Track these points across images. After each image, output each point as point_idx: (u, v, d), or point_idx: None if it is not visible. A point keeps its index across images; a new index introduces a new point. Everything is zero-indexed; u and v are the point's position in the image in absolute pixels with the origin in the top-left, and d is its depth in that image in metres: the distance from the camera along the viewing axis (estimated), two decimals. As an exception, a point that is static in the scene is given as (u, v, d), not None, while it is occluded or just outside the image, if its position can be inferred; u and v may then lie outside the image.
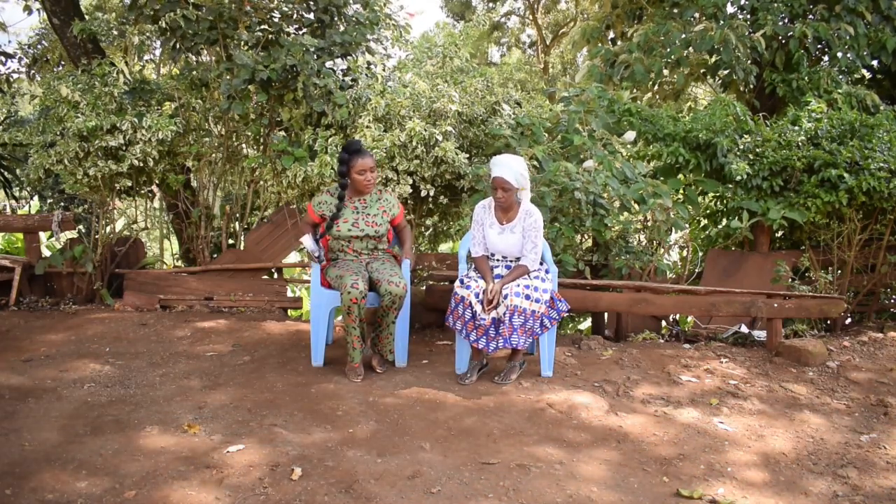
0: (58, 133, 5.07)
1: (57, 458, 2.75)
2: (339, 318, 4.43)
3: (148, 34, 5.98)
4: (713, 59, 6.77)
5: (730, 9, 6.80)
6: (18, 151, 7.50)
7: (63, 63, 7.22)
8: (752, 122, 5.55)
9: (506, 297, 3.60)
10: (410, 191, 4.80)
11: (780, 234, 5.65)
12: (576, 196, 4.34)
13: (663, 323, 5.14)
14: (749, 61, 6.24)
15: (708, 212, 5.90)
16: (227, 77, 5.04)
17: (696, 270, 5.46)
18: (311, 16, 5.38)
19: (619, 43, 7.68)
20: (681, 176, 5.47)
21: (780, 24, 6.46)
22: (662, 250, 5.18)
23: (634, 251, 4.82)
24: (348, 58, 5.29)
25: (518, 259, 3.81)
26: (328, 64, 5.21)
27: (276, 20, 5.26)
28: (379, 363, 3.88)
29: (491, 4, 19.96)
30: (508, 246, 3.80)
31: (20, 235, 6.89)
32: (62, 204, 7.79)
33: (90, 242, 5.48)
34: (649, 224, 4.97)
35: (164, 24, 4.97)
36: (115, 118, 4.96)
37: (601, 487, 2.66)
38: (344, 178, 3.88)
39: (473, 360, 3.84)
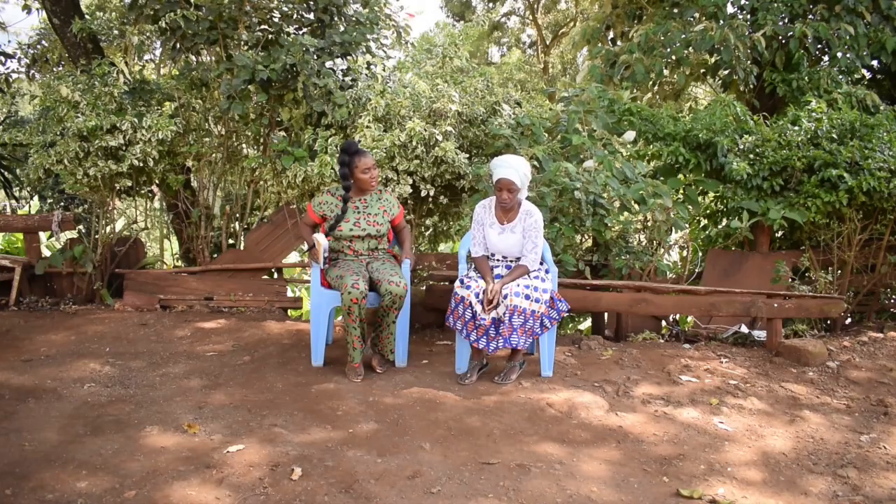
0: (58, 133, 5.07)
1: (57, 458, 2.75)
2: (339, 318, 4.43)
3: (148, 34, 5.97)
4: (713, 59, 6.77)
5: (730, 9, 6.80)
6: (18, 151, 7.49)
7: (63, 63, 7.21)
8: (752, 122, 5.55)
9: (506, 297, 3.60)
10: (410, 191, 4.80)
11: (780, 234, 5.65)
12: (576, 196, 4.34)
13: (663, 323, 5.14)
14: (749, 61, 6.23)
15: (708, 212, 5.90)
16: (227, 77, 5.04)
17: (696, 270, 5.46)
18: (311, 16, 5.38)
19: (619, 43, 7.68)
20: (681, 176, 5.47)
21: (780, 24, 6.46)
22: (662, 250, 5.18)
23: (634, 251, 4.82)
24: (348, 58, 5.29)
25: (518, 259, 3.81)
26: (328, 64, 5.22)
27: (276, 20, 5.26)
28: (379, 363, 3.88)
29: (491, 4, 19.95)
30: (509, 246, 3.80)
31: (20, 235, 6.89)
32: (62, 204, 7.79)
33: (90, 242, 5.48)
34: (649, 224, 4.97)
35: (164, 24, 4.97)
36: (115, 118, 4.96)
37: (601, 487, 2.66)
38: (347, 179, 3.89)
39: (473, 360, 3.84)
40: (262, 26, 5.19)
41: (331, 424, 3.14)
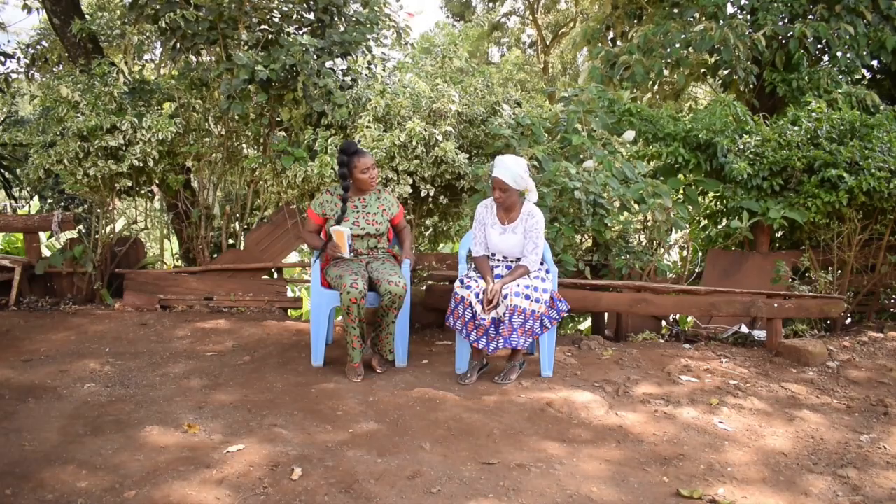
0: (58, 133, 5.08)
1: (57, 457, 2.75)
2: (339, 318, 4.43)
3: (148, 34, 5.98)
4: (713, 59, 6.77)
5: (730, 9, 6.80)
6: (18, 151, 7.49)
7: (63, 63, 7.21)
8: (752, 122, 5.55)
9: (506, 297, 3.60)
10: (410, 191, 4.80)
11: (780, 234, 5.65)
12: (576, 196, 4.34)
13: (663, 323, 5.14)
14: (749, 61, 6.24)
15: (708, 212, 5.90)
16: (227, 77, 5.04)
17: (696, 270, 5.46)
18: (311, 16, 5.38)
19: (619, 43, 7.68)
20: (681, 176, 5.47)
21: (780, 24, 6.46)
22: (662, 250, 5.18)
23: (634, 251, 4.82)
24: (348, 58, 5.29)
25: (518, 259, 3.81)
26: (328, 64, 5.22)
27: (276, 20, 5.26)
28: (379, 363, 3.88)
29: (491, 4, 19.95)
30: (509, 246, 3.80)
31: (20, 235, 6.89)
32: (62, 204, 7.78)
33: (90, 242, 5.48)
34: (649, 224, 4.97)
35: (164, 24, 4.97)
36: (115, 118, 4.96)
37: (601, 487, 2.66)
38: (346, 179, 3.89)
39: (473, 360, 3.84)
40: (262, 26, 5.19)
41: (331, 424, 3.14)
